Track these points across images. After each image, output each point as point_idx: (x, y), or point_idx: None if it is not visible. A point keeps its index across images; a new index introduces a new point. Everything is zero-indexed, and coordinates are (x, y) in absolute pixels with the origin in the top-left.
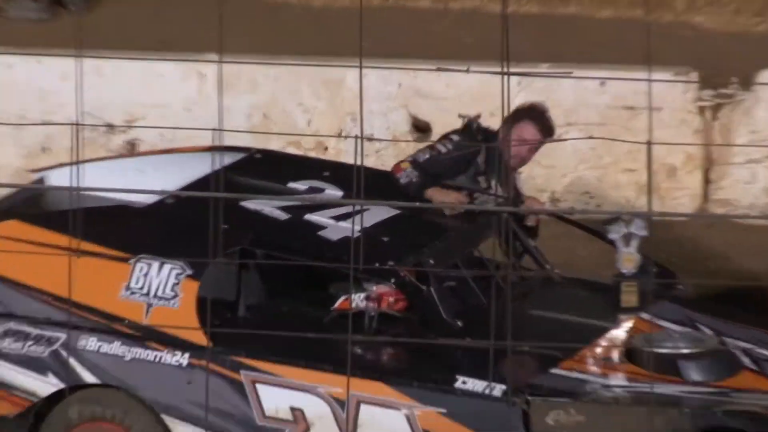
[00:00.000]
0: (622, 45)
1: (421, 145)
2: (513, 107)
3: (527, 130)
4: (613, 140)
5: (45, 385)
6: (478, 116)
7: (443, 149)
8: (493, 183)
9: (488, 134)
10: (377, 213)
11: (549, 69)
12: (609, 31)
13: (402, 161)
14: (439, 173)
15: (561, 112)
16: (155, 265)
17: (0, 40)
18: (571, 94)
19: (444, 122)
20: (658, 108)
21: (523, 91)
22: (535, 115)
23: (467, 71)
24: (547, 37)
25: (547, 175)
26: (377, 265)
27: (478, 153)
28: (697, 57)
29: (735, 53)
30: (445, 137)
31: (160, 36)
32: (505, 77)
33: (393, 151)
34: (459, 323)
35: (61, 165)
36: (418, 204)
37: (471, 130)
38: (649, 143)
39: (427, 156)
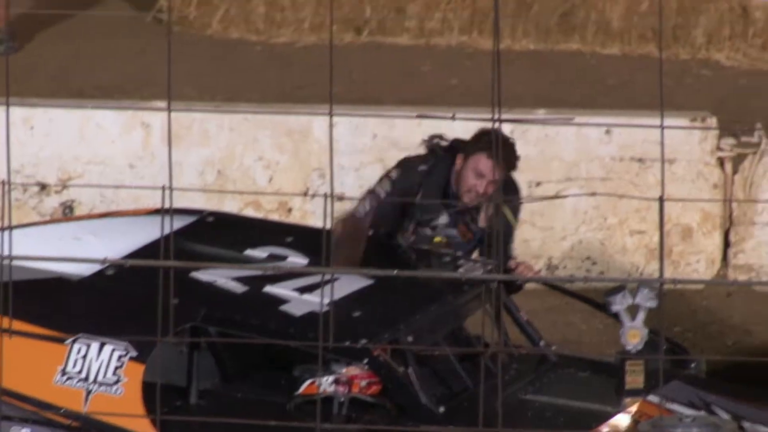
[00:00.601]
0: (631, 87)
1: None
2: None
3: (482, 162)
4: (619, 197)
5: None
6: (439, 136)
7: (382, 192)
8: (444, 222)
9: (448, 151)
10: (348, 284)
11: (546, 115)
12: (616, 70)
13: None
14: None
15: (560, 166)
16: (95, 345)
17: None
18: (571, 144)
19: None
20: (671, 160)
21: (518, 140)
22: (488, 145)
23: (453, 119)
24: (545, 78)
25: (543, 238)
26: (348, 343)
27: (419, 186)
28: (716, 100)
29: (760, 95)
30: (385, 176)
31: (99, 81)
32: (497, 125)
33: None
34: (441, 409)
35: None
36: (395, 272)
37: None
38: (661, 200)
39: (388, 188)
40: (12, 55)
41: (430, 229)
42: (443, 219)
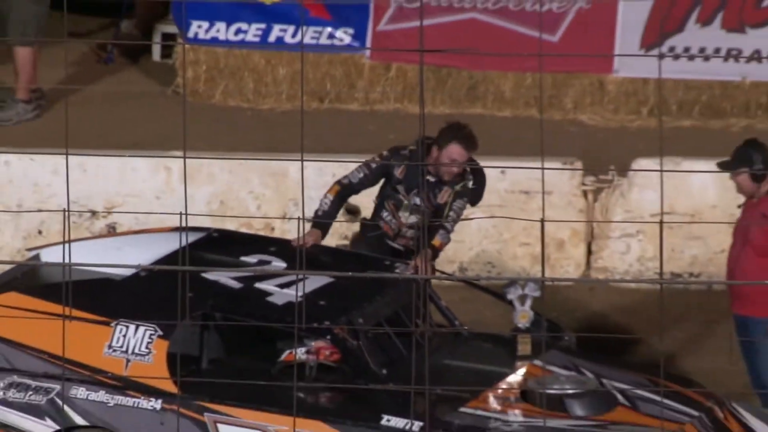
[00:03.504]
0: (520, 139)
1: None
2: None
3: (455, 151)
4: (511, 219)
5: (44, 428)
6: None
7: (373, 165)
8: (405, 194)
9: (411, 153)
10: (315, 281)
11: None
12: (508, 127)
13: (339, 181)
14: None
15: None
16: (132, 327)
17: None
18: None
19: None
20: (549, 192)
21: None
22: (460, 135)
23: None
24: None
25: (456, 249)
26: (315, 324)
27: (393, 167)
28: (581, 149)
29: (613, 145)
30: (378, 155)
31: (133, 137)
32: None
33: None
34: (384, 371)
35: (53, 244)
36: (350, 273)
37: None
38: (542, 221)
39: (361, 175)
40: (40, 111)
41: (403, 197)
42: (414, 195)
